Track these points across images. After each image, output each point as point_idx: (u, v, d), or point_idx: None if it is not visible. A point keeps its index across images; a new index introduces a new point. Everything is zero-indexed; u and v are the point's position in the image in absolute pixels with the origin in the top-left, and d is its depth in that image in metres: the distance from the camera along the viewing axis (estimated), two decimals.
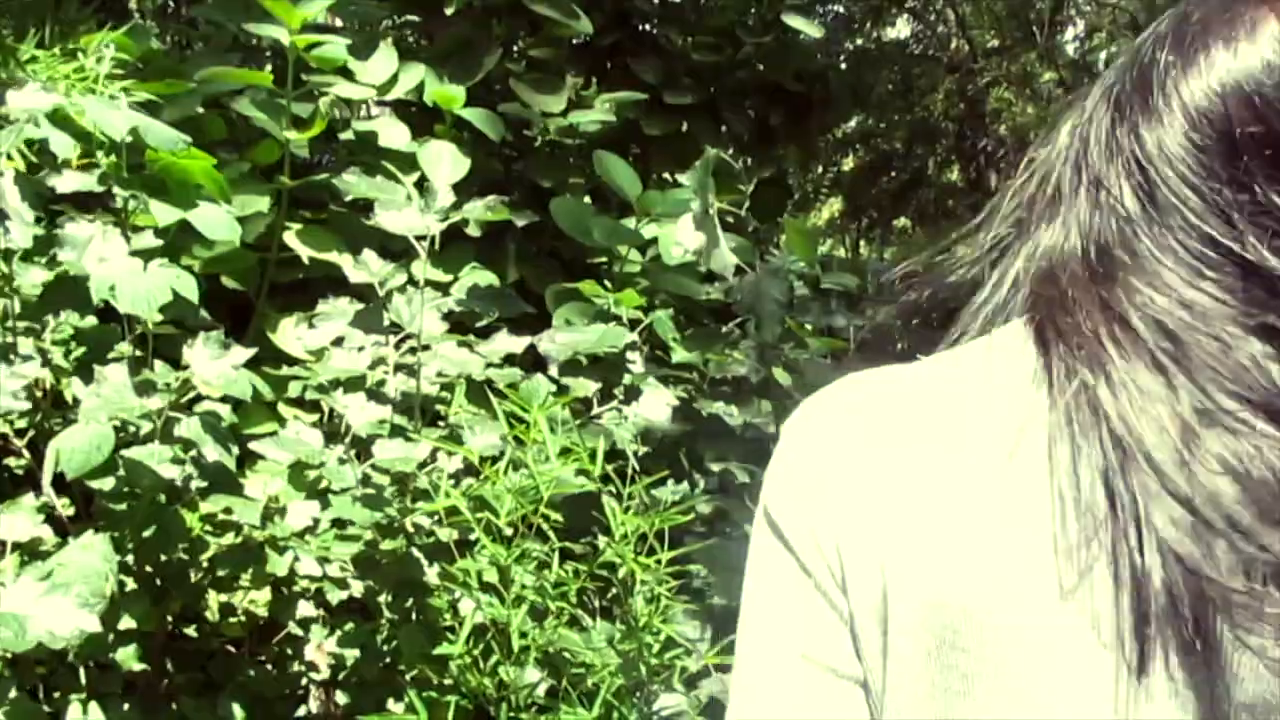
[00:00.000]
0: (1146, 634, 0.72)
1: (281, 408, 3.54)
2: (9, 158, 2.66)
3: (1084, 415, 0.77)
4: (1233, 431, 0.72)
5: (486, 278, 3.93)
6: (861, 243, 31.03)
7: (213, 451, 2.79)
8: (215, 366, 2.77)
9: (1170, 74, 0.83)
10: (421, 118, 4.32)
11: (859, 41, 28.26)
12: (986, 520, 0.78)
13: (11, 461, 2.99)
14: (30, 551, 2.63)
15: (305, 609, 3.14)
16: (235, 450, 2.87)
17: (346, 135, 4.01)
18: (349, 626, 3.12)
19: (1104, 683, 0.73)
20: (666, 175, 4.90)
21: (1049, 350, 0.81)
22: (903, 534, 0.81)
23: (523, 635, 2.79)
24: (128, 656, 2.81)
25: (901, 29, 30.67)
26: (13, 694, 2.61)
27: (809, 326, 3.84)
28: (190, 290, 2.69)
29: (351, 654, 3.08)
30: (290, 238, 3.70)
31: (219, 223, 2.80)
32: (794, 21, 5.04)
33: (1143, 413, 0.74)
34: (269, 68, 4.12)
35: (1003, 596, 0.76)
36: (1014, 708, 0.76)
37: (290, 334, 3.58)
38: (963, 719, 0.78)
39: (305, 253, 3.70)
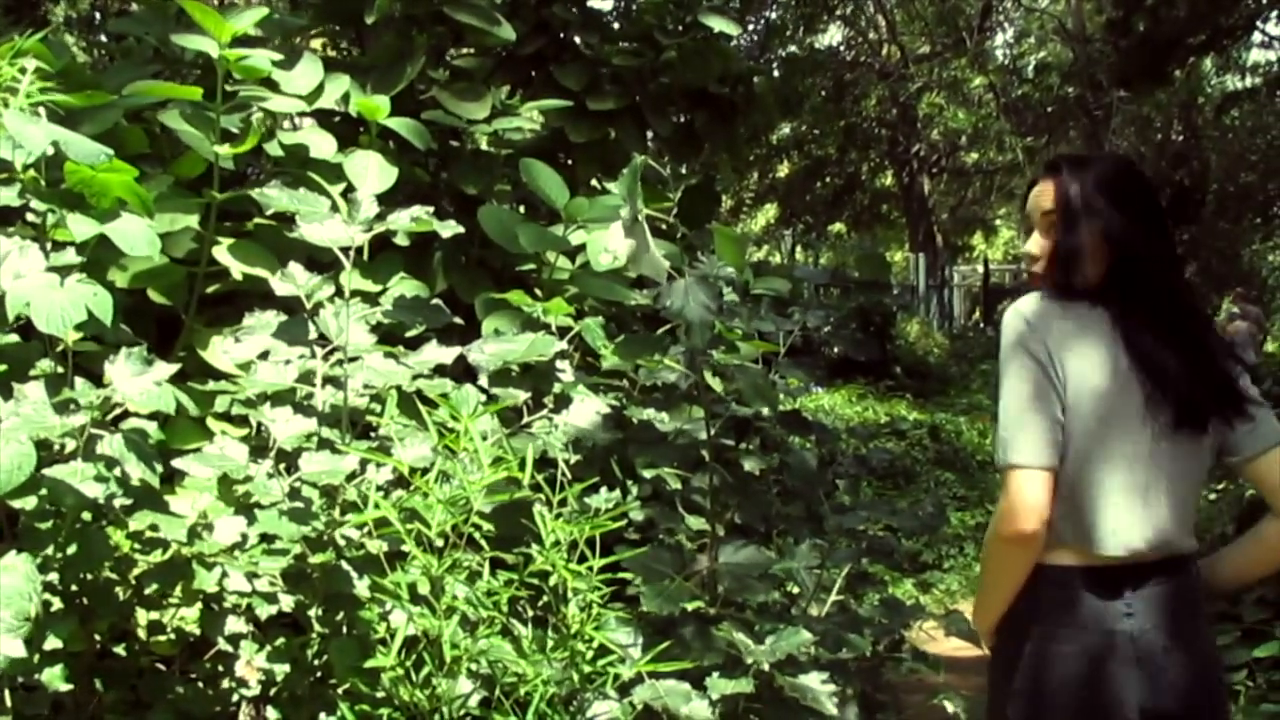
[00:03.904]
0: (1151, 413, 2.38)
1: (210, 423, 3.51)
2: None
3: (1131, 333, 2.39)
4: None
5: (414, 287, 3.91)
6: (797, 248, 31.19)
7: (136, 468, 2.75)
8: (137, 383, 2.73)
9: None
10: (346, 128, 4.29)
11: (791, 48, 28.48)
12: (1098, 359, 2.36)
13: None
14: None
15: (235, 625, 3.11)
16: (160, 467, 2.83)
17: (272, 146, 3.97)
18: (279, 641, 3.09)
19: (1142, 429, 2.38)
20: (595, 182, 4.91)
21: (1122, 309, 2.40)
22: (1071, 358, 2.35)
23: (455, 646, 2.79)
24: (54, 677, 2.77)
25: (833, 35, 30.91)
26: None
27: (739, 331, 3.84)
28: (105, 307, 2.65)
29: (282, 669, 3.05)
30: (220, 252, 3.66)
31: (138, 236, 2.76)
32: (712, 21, 5.04)
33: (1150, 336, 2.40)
34: (192, 79, 4.08)
35: (1105, 391, 2.36)
36: (1110, 432, 2.36)
37: (218, 349, 3.54)
38: (1094, 445, 2.36)
39: (236, 268, 3.67)
